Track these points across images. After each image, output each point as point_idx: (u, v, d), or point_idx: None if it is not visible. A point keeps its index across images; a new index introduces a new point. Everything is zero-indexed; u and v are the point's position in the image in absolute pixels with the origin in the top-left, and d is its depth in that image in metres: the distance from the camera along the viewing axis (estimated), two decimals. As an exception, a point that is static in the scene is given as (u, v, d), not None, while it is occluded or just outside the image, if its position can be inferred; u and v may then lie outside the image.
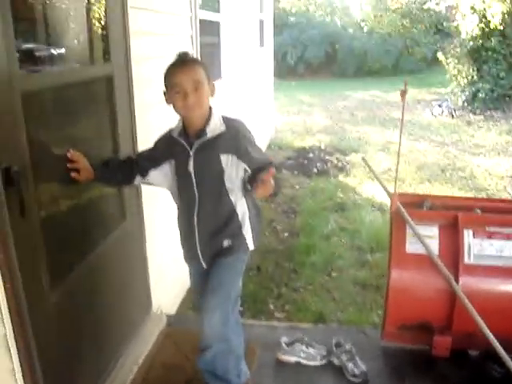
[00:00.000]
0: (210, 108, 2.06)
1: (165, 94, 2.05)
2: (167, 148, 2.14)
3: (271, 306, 3.83)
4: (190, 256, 2.24)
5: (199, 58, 4.04)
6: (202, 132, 2.03)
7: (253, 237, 2.17)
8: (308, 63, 20.68)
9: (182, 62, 2.03)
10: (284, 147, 9.17)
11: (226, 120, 2.07)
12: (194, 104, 1.97)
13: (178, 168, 2.11)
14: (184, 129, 2.08)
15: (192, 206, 2.09)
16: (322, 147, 9.06)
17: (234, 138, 2.02)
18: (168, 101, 2.04)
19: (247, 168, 2.01)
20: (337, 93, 16.09)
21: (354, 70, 20.33)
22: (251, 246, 2.17)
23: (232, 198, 2.08)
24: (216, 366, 2.17)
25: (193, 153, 2.04)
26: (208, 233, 2.12)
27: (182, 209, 2.19)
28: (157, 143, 2.22)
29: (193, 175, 2.06)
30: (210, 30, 4.77)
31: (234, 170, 2.03)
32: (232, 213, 2.10)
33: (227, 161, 2.02)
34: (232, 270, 2.16)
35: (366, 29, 21.31)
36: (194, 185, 2.06)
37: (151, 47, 2.96)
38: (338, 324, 3.52)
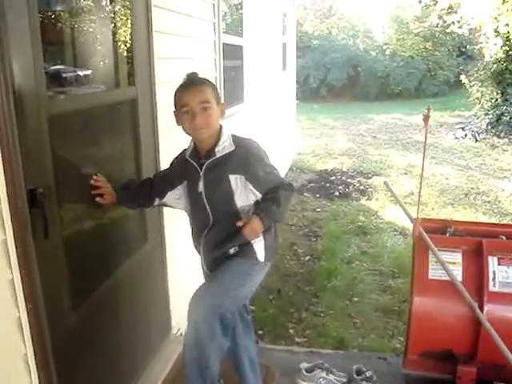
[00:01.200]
0: (221, 128, 2.05)
1: (175, 114, 2.05)
2: (181, 169, 2.14)
3: (291, 331, 3.80)
4: (202, 270, 2.20)
5: (221, 81, 4.09)
6: (211, 152, 2.01)
7: (266, 253, 2.08)
8: (330, 86, 20.78)
9: (191, 82, 2.02)
10: (306, 170, 9.18)
11: (236, 139, 2.04)
12: (202, 124, 1.96)
13: (189, 189, 2.10)
14: (195, 149, 2.08)
15: (205, 226, 2.07)
16: (344, 170, 9.06)
17: (244, 157, 1.99)
18: (178, 121, 2.04)
19: (253, 189, 1.99)
20: (359, 115, 16.11)
21: (377, 93, 20.37)
22: (261, 259, 2.07)
23: (242, 216, 2.00)
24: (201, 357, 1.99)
25: (203, 173, 2.03)
26: (213, 244, 2.06)
27: (195, 229, 2.16)
28: (172, 164, 2.23)
29: (203, 196, 2.04)
30: (233, 53, 4.83)
31: (243, 190, 2.00)
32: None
33: (236, 181, 1.99)
34: (239, 269, 2.03)
35: (388, 52, 21.37)
36: (207, 205, 2.04)
37: (175, 71, 2.99)
38: (359, 350, 3.47)
